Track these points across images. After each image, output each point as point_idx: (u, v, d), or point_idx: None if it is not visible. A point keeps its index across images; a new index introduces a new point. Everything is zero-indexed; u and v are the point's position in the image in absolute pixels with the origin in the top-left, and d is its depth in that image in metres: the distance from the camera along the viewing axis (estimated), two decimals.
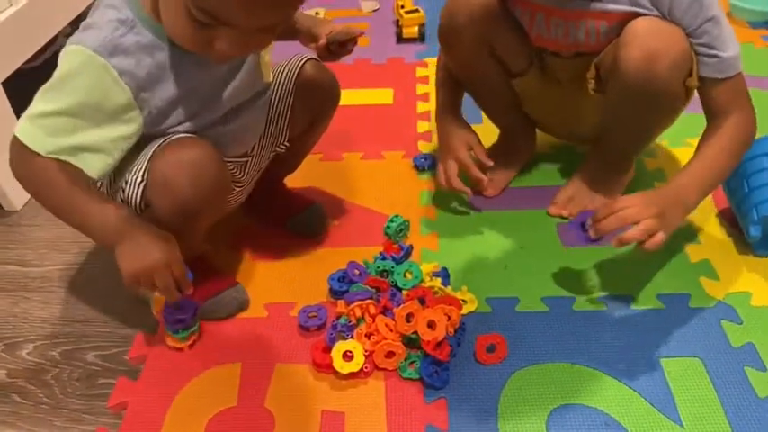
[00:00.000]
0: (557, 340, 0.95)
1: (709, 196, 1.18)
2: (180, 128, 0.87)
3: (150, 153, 0.85)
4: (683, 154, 1.11)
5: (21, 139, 0.81)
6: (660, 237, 0.90)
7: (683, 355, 0.92)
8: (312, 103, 1.06)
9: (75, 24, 1.58)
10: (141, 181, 0.85)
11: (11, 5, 1.29)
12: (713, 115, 1.01)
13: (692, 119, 1.32)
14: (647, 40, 0.96)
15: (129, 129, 0.84)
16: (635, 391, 0.88)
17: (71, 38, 0.82)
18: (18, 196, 1.29)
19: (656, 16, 0.97)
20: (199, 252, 1.00)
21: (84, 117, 0.81)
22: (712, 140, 1.00)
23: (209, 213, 0.91)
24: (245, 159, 1.00)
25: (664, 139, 1.28)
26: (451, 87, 1.20)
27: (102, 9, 0.83)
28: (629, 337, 0.95)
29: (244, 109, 0.94)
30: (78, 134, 0.81)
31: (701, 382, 0.88)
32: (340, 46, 1.03)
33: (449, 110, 1.20)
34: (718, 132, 1.00)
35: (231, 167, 0.97)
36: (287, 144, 1.08)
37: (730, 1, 1.77)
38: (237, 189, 1.02)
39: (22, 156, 0.82)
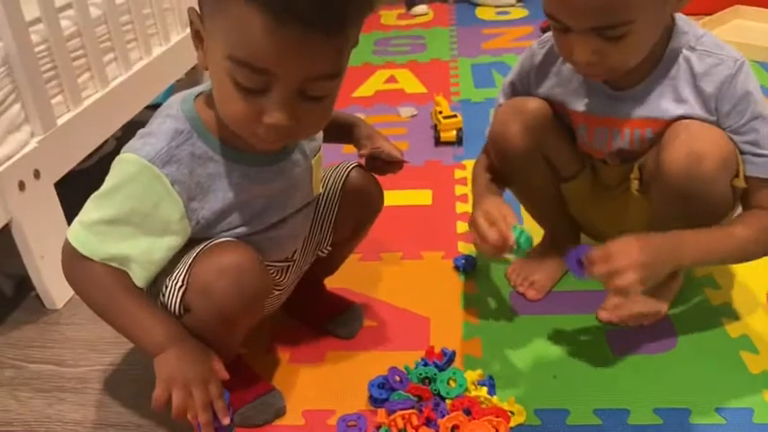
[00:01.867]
0: None
1: (766, 303, 1.14)
2: (225, 235, 0.88)
3: (191, 258, 0.85)
4: None
5: (73, 243, 0.83)
6: (629, 283, 0.89)
7: None
8: (357, 210, 1.07)
9: (124, 130, 1.66)
10: (181, 286, 0.85)
11: (68, 110, 1.35)
12: (749, 208, 0.99)
13: None
14: (691, 142, 0.94)
15: (177, 239, 0.85)
16: None
17: (126, 145, 0.85)
18: (60, 295, 1.30)
19: (702, 118, 0.97)
20: (235, 356, 0.98)
21: (135, 225, 0.82)
22: (747, 220, 0.98)
23: (248, 319, 0.90)
24: (287, 264, 1.00)
25: None
26: (491, 178, 1.17)
27: (162, 118, 0.85)
28: None
29: (290, 218, 0.94)
30: (129, 242, 0.82)
31: None
32: (385, 164, 1.05)
33: (487, 189, 1.13)
34: (757, 217, 0.98)
35: (272, 272, 0.97)
36: (329, 248, 1.08)
37: None
38: (277, 293, 1.01)
39: (73, 259, 0.83)
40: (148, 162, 0.81)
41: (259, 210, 0.90)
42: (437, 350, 1.06)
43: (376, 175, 1.08)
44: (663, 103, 0.99)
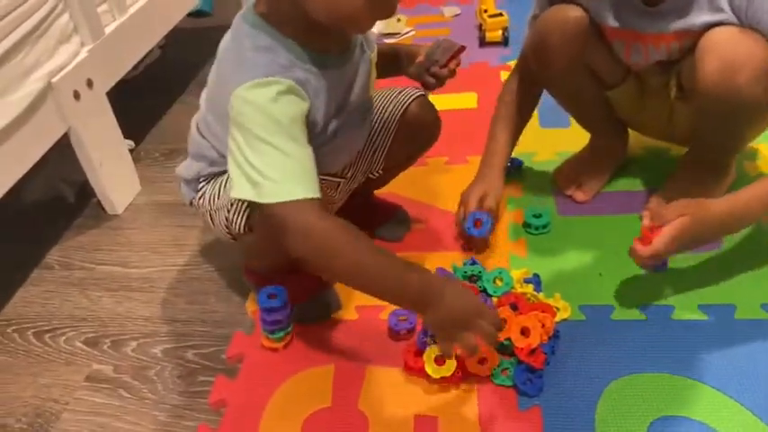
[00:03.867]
0: (655, 350, 0.92)
1: None
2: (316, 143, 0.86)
3: None
4: None
5: (293, 198, 0.76)
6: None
7: None
8: (412, 141, 1.09)
9: (168, 38, 1.66)
10: (247, 206, 0.88)
11: (114, 19, 1.36)
12: None
13: None
14: (725, 52, 0.92)
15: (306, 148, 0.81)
16: (741, 404, 0.84)
17: (226, 84, 0.80)
18: (120, 201, 1.36)
19: (736, 24, 0.93)
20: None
21: (304, 142, 0.79)
22: None
23: None
24: (338, 180, 1.02)
25: None
26: (504, 131, 1.18)
27: (241, 42, 0.82)
28: (734, 348, 0.91)
29: (350, 126, 0.94)
30: (313, 164, 0.79)
31: None
32: (442, 67, 1.02)
33: (489, 161, 1.17)
34: None
35: (325, 186, 0.98)
36: (380, 172, 1.10)
37: None
38: (329, 208, 1.04)
39: (303, 217, 0.77)
40: (265, 77, 0.77)
41: (336, 107, 0.88)
42: None
43: (441, 85, 1.04)
44: (696, 15, 0.96)
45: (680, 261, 1.05)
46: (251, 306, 1.06)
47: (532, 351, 0.88)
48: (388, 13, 0.79)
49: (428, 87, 1.05)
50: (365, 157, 1.06)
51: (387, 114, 1.05)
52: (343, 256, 0.78)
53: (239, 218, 0.89)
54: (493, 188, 1.14)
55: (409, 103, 1.05)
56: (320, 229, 0.77)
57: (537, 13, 1.11)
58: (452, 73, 1.04)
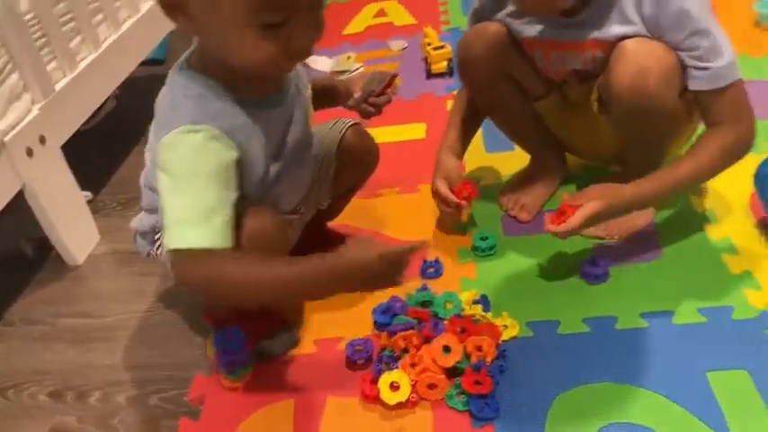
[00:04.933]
0: (601, 360, 0.96)
1: (746, 206, 1.19)
2: (253, 190, 0.90)
3: None
4: (756, 162, 1.12)
5: (179, 246, 0.80)
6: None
7: (730, 368, 0.92)
8: (354, 167, 1.13)
9: (123, 88, 1.70)
10: None
11: (64, 76, 1.39)
12: (707, 126, 1.04)
13: None
14: (635, 59, 0.99)
15: (236, 192, 0.85)
16: (682, 407, 0.88)
17: (157, 132, 0.84)
18: (79, 251, 1.38)
19: (646, 36, 1.00)
20: None
21: (218, 188, 0.81)
22: (696, 151, 1.03)
23: None
24: (292, 217, 1.05)
25: None
26: (459, 123, 1.24)
27: (173, 91, 0.86)
28: (674, 352, 0.95)
29: (296, 165, 0.98)
30: (221, 208, 0.81)
31: (748, 394, 0.88)
32: (378, 96, 1.07)
33: (448, 147, 1.23)
34: (704, 145, 1.03)
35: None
36: (329, 201, 1.15)
37: (755, 9, 1.77)
38: (285, 247, 1.07)
39: (189, 264, 0.80)
40: (192, 124, 0.81)
41: (275, 150, 0.92)
42: None
43: (378, 113, 1.09)
44: (609, 26, 1.02)
45: (621, 273, 1.10)
46: (210, 348, 1.08)
47: (476, 382, 0.91)
48: (296, 56, 0.82)
49: (367, 116, 1.10)
50: (312, 190, 1.09)
51: (326, 146, 1.10)
52: (239, 287, 0.81)
53: None
54: (450, 168, 1.19)
55: (345, 133, 1.10)
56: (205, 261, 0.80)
57: (464, 31, 1.19)
58: (389, 99, 1.09)
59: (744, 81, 1.02)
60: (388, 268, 0.81)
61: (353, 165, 1.12)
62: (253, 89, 0.87)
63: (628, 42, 1.01)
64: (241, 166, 0.86)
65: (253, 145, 0.87)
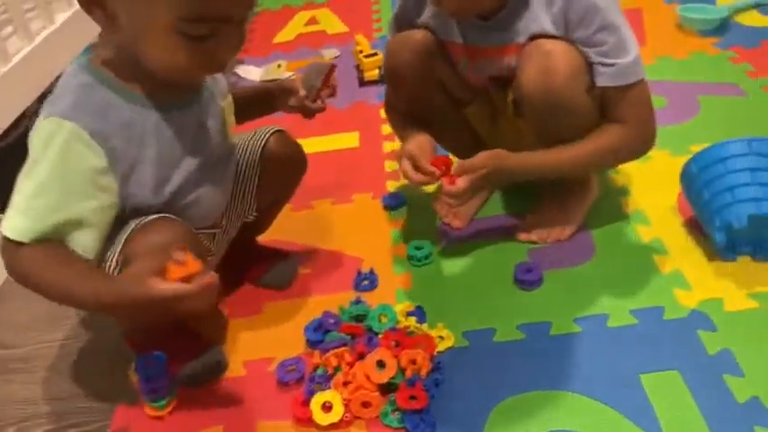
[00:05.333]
0: (537, 368, 0.95)
1: (675, 206, 1.21)
2: (150, 196, 0.87)
3: (123, 239, 0.85)
4: (680, 163, 1.13)
5: (8, 234, 0.80)
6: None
7: (661, 369, 0.92)
8: (279, 178, 1.09)
9: (41, 101, 1.61)
10: (115, 267, 0.85)
11: None
12: (608, 120, 1.05)
13: (695, 125, 1.37)
14: (541, 59, 1.00)
15: (108, 198, 0.83)
16: (617, 410, 0.87)
17: (40, 115, 0.83)
18: None
19: (554, 35, 1.01)
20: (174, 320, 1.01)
21: (64, 190, 0.79)
22: (592, 139, 1.05)
23: None
24: (214, 231, 1.01)
25: (665, 148, 1.31)
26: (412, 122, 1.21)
27: (64, 78, 0.84)
28: (607, 356, 0.95)
29: (209, 176, 0.94)
30: (61, 210, 0.79)
31: (680, 395, 0.88)
32: (319, 91, 1.04)
33: (410, 125, 1.18)
34: (602, 135, 1.05)
35: (202, 239, 0.98)
36: (255, 215, 1.09)
37: (678, 12, 1.81)
38: (209, 260, 1.02)
39: (11, 254, 0.80)
40: (61, 118, 0.79)
41: (179, 154, 0.89)
42: None
43: (322, 110, 1.06)
44: (523, 27, 1.03)
45: (554, 277, 1.10)
46: (133, 375, 1.02)
47: (411, 397, 0.88)
48: (214, 68, 0.83)
49: (311, 114, 1.07)
50: (235, 202, 1.05)
51: (248, 156, 1.05)
52: (52, 290, 0.81)
53: None
54: (422, 139, 1.13)
55: (267, 140, 1.06)
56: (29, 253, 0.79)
57: (389, 39, 1.17)
58: (333, 91, 1.06)
59: (647, 81, 1.04)
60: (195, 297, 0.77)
61: (278, 174, 1.08)
62: (159, 90, 0.85)
63: (534, 42, 1.01)
64: (117, 170, 0.83)
65: (143, 147, 0.84)
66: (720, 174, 1.06)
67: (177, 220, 0.88)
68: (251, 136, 1.07)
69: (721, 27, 1.78)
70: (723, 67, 1.62)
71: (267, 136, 1.06)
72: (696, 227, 1.14)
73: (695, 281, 1.05)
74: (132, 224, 0.86)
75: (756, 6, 1.87)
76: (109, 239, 0.86)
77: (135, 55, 0.81)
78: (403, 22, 1.15)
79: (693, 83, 1.57)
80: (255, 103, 1.09)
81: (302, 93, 1.04)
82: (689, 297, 1.03)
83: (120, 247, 0.85)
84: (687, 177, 1.12)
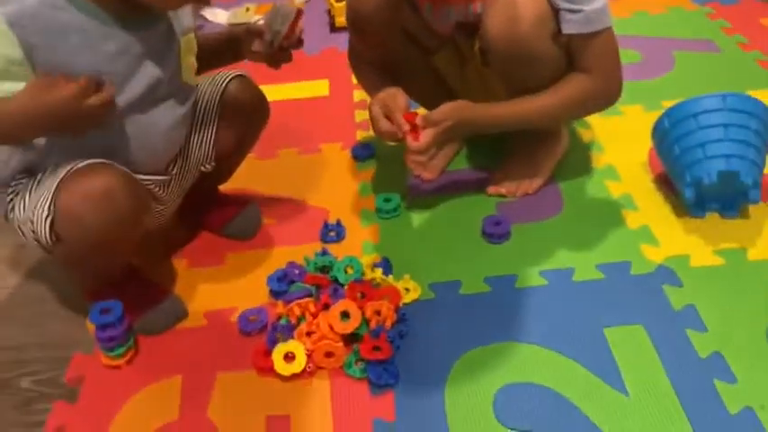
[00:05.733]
0: (501, 320, 0.94)
1: (645, 162, 1.20)
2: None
3: (55, 184, 0.82)
4: (653, 118, 1.11)
5: None
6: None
7: (626, 323, 0.92)
8: (238, 123, 1.04)
9: None
10: (48, 215, 0.82)
11: None
12: (575, 70, 1.03)
13: (668, 80, 1.35)
14: (506, 6, 0.97)
15: (14, 86, 0.78)
16: (580, 363, 0.87)
17: None
18: None
19: None
20: (128, 267, 0.98)
21: None
22: (558, 88, 1.03)
23: (126, 240, 0.88)
24: (166, 178, 0.97)
25: (638, 103, 1.28)
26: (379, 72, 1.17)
27: None
28: (572, 310, 0.95)
29: (156, 111, 0.90)
30: None
31: (644, 348, 0.88)
32: (286, 38, 0.97)
33: (382, 81, 1.12)
34: (567, 85, 1.03)
35: (152, 186, 0.94)
36: (213, 164, 1.05)
37: None
38: (160, 208, 0.99)
39: None
40: None
41: (118, 76, 0.84)
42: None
43: (288, 60, 1.01)
44: None
45: (522, 230, 1.08)
46: (89, 324, 0.99)
47: (375, 347, 0.87)
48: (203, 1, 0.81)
49: (276, 64, 1.01)
50: (191, 150, 1.01)
51: (206, 100, 1.01)
52: None
53: (43, 226, 0.83)
54: (393, 92, 1.07)
55: (226, 84, 1.01)
56: None
57: None
58: (299, 42, 1.00)
59: (613, 31, 1.01)
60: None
61: (238, 121, 1.03)
62: (113, 5, 0.81)
63: None
64: (37, 67, 0.78)
65: (75, 55, 0.80)
66: (692, 129, 1.05)
67: (114, 165, 0.84)
68: (210, 80, 1.02)
69: None
70: (700, 22, 1.61)
71: (227, 81, 1.01)
72: (666, 183, 1.14)
73: (663, 236, 1.05)
74: (66, 167, 0.82)
75: None
76: (38, 184, 0.83)
77: None
78: None
79: (669, 38, 1.55)
80: (222, 49, 1.03)
81: (267, 37, 0.98)
82: (656, 252, 1.02)
83: (51, 192, 0.81)
84: (659, 133, 1.10)
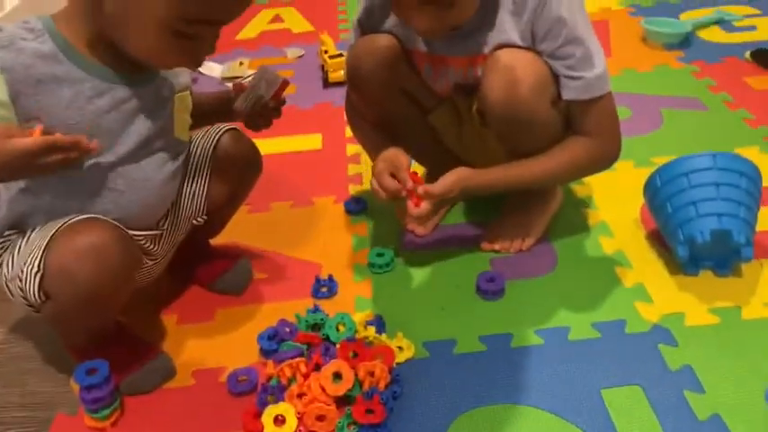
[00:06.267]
0: (497, 380, 0.93)
1: (638, 218, 1.20)
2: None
3: (45, 241, 0.80)
4: (643, 175, 1.12)
5: None
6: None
7: (623, 384, 0.90)
8: (231, 176, 1.03)
9: None
10: (38, 272, 0.80)
11: None
12: (574, 133, 1.04)
13: (658, 137, 1.35)
14: (506, 70, 0.98)
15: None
16: (577, 426, 0.85)
17: None
18: None
19: (520, 46, 0.99)
20: (116, 325, 0.96)
21: None
22: (558, 152, 1.04)
23: (117, 296, 0.87)
24: (157, 233, 0.96)
25: (629, 159, 1.30)
26: (376, 133, 1.18)
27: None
28: (569, 370, 0.93)
29: (145, 166, 0.89)
30: None
31: (642, 410, 0.87)
32: (265, 107, 1.00)
33: (383, 143, 1.13)
34: (568, 148, 1.04)
35: (143, 242, 0.93)
36: (205, 218, 1.04)
37: (644, 26, 1.83)
38: (151, 263, 0.97)
39: None
40: None
41: (109, 132, 0.84)
42: None
43: (267, 125, 1.03)
44: (491, 38, 1.01)
45: (517, 287, 1.08)
46: (74, 384, 0.96)
47: (368, 410, 0.85)
48: (193, 65, 0.85)
49: (255, 128, 1.02)
50: (183, 203, 1.00)
51: (198, 153, 1.01)
52: None
53: (32, 284, 0.81)
54: (394, 153, 1.07)
55: (219, 137, 1.01)
56: None
57: (353, 43, 1.12)
58: (278, 112, 1.02)
59: (612, 94, 1.03)
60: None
61: (230, 174, 1.03)
62: (113, 62, 0.83)
63: (499, 53, 0.99)
64: (20, 114, 0.78)
65: (63, 107, 0.80)
66: (684, 187, 1.05)
67: (106, 220, 0.83)
68: (203, 134, 1.02)
69: (685, 42, 1.80)
70: (686, 81, 1.64)
71: (220, 134, 1.01)
72: (659, 240, 1.14)
73: (657, 294, 1.05)
74: (57, 223, 0.82)
75: (718, 23, 1.90)
76: (28, 241, 0.83)
77: (103, 33, 0.81)
78: (366, 27, 1.11)
79: (657, 96, 1.58)
80: (215, 108, 1.04)
81: (248, 99, 0.99)
82: (651, 311, 1.02)
83: (42, 248, 0.80)
84: (651, 190, 1.11)
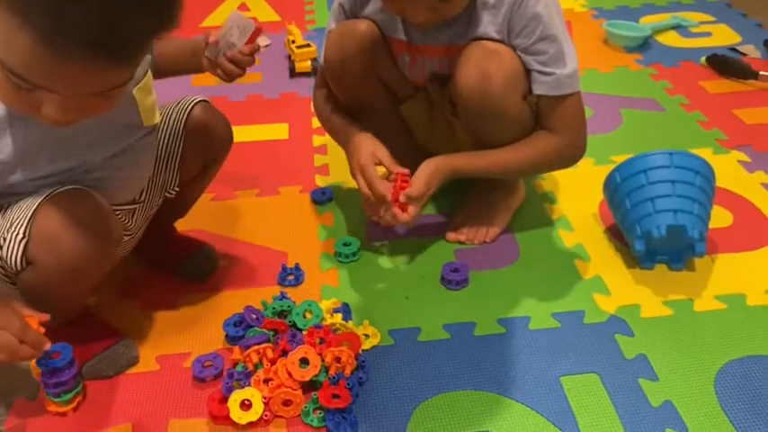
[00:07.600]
0: (460, 368, 0.95)
1: (597, 213, 1.24)
2: (38, 181, 0.82)
3: (32, 209, 0.79)
4: (603, 172, 1.16)
5: None
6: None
7: (581, 371, 0.94)
8: (203, 148, 1.03)
9: None
10: (23, 238, 0.79)
11: None
12: (542, 127, 1.07)
13: (617, 136, 1.39)
14: (479, 62, 1.00)
15: None
16: (537, 412, 0.88)
17: None
18: None
19: (495, 39, 1.02)
20: (82, 308, 0.94)
21: None
22: (523, 145, 1.07)
23: (98, 269, 0.86)
24: (133, 207, 0.96)
25: (589, 157, 1.33)
26: (345, 114, 1.18)
27: None
28: (529, 358, 0.96)
29: (126, 153, 0.89)
30: None
31: (598, 397, 0.90)
32: (239, 53, 0.94)
33: (351, 127, 1.15)
34: (533, 142, 1.07)
35: (120, 216, 0.92)
36: (177, 189, 1.03)
37: (605, 28, 1.87)
38: (127, 238, 0.96)
39: None
40: None
41: (67, 145, 0.83)
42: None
43: (242, 73, 0.98)
44: (467, 29, 1.03)
45: (480, 278, 1.10)
46: (35, 368, 0.95)
47: (334, 395, 0.86)
48: (51, 123, 0.72)
49: (229, 76, 0.97)
50: (158, 174, 1.00)
51: (171, 124, 1.00)
52: None
53: (15, 250, 0.79)
54: (377, 148, 1.10)
55: (191, 108, 1.00)
56: None
57: (332, 28, 1.13)
58: (252, 59, 0.97)
59: (581, 93, 1.06)
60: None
61: (203, 144, 1.02)
62: None
63: (474, 45, 1.02)
64: None
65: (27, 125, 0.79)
66: (643, 184, 1.09)
67: (91, 194, 0.82)
68: (175, 105, 1.01)
69: (644, 45, 1.85)
70: (644, 82, 1.69)
71: (192, 105, 1.01)
72: (616, 234, 1.18)
73: (614, 287, 1.08)
74: (44, 192, 0.80)
75: (675, 28, 1.96)
76: (11, 208, 0.81)
77: None
78: (349, 12, 1.12)
79: (617, 96, 1.63)
80: (182, 60, 1.01)
81: (213, 38, 0.94)
82: (608, 302, 1.05)
83: (28, 215, 0.79)
84: (610, 186, 1.15)
